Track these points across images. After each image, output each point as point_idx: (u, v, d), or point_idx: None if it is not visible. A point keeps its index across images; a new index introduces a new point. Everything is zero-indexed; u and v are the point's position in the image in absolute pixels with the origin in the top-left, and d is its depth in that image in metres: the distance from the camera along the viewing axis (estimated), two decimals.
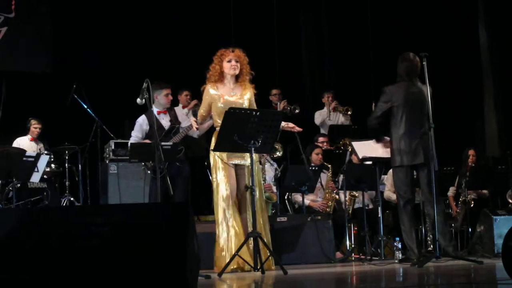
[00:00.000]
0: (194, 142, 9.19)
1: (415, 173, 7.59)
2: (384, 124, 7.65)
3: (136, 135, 8.34)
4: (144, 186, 8.84)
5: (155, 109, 8.26)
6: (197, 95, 10.53)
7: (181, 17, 12.67)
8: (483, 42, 13.02)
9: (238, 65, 7.02)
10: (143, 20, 12.30)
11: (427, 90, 7.22)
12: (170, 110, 8.54)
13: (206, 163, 10.79)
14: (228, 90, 7.03)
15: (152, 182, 8.20)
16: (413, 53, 7.52)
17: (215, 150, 6.69)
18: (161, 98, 8.34)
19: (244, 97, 7.03)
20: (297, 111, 10.93)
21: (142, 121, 8.33)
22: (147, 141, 8.10)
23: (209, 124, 8.29)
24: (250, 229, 6.62)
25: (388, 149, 7.76)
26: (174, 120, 8.41)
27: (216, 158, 6.95)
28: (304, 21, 13.94)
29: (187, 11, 12.70)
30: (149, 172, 8.07)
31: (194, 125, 7.44)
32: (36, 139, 10.30)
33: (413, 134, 7.35)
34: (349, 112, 11.67)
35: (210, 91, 7.03)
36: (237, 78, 7.07)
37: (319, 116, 11.82)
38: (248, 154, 6.78)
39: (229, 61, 7.01)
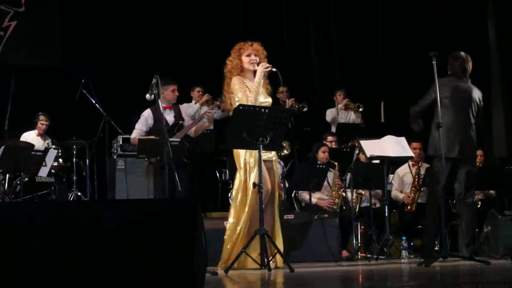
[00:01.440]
0: (203, 139, 9.20)
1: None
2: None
3: (140, 128, 8.40)
4: (148, 181, 8.84)
5: (160, 104, 8.34)
6: (209, 91, 10.62)
7: (192, 15, 12.68)
8: (492, 42, 12.99)
9: (257, 59, 6.89)
10: (153, 15, 12.32)
11: (476, 89, 7.25)
12: (175, 106, 8.57)
13: (216, 158, 10.83)
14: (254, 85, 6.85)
15: (158, 178, 8.23)
16: (464, 52, 7.58)
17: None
18: (168, 94, 8.38)
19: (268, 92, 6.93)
20: (305, 109, 10.93)
21: (147, 115, 8.39)
22: (152, 136, 8.14)
23: (206, 126, 8.33)
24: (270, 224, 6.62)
25: (396, 147, 7.77)
26: (178, 116, 8.45)
27: (247, 154, 6.74)
28: (313, 19, 13.93)
29: (198, 10, 12.71)
30: (161, 166, 8.06)
31: (208, 115, 7.81)
32: (43, 134, 10.33)
33: (454, 128, 7.33)
34: (360, 109, 11.68)
35: (242, 81, 6.83)
36: (255, 72, 6.88)
37: (330, 114, 11.86)
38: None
39: (248, 55, 6.88)
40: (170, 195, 7.13)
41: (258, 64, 6.86)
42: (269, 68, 6.80)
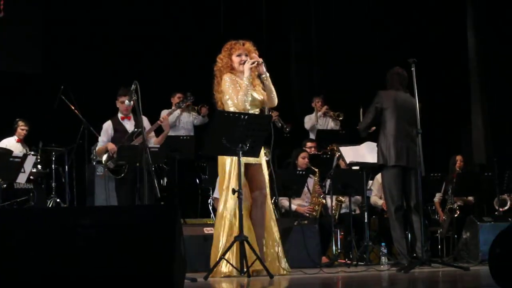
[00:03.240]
0: (183, 145, 9.19)
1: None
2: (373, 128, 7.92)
3: (102, 140, 8.55)
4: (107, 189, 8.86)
5: (119, 114, 8.42)
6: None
7: (171, 21, 12.67)
8: (471, 49, 13.08)
9: (248, 59, 6.70)
10: (132, 23, 12.29)
11: (416, 99, 7.32)
12: (136, 116, 8.49)
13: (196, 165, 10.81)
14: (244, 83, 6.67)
15: (118, 186, 8.25)
16: (399, 66, 7.82)
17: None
18: (118, 104, 8.45)
19: (261, 91, 6.82)
20: (288, 129, 11.03)
21: (107, 126, 8.53)
22: (111, 144, 8.28)
23: (164, 135, 8.31)
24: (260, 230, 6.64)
25: (375, 154, 7.83)
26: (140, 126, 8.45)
27: (228, 159, 6.61)
28: (293, 25, 13.96)
29: (178, 16, 12.71)
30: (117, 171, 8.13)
31: (166, 119, 8.04)
32: (22, 141, 10.27)
33: (401, 137, 7.50)
34: (340, 118, 11.72)
35: (233, 79, 6.66)
36: None
37: (308, 121, 11.87)
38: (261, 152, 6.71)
39: (239, 55, 6.73)
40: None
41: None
42: (255, 64, 6.68)
